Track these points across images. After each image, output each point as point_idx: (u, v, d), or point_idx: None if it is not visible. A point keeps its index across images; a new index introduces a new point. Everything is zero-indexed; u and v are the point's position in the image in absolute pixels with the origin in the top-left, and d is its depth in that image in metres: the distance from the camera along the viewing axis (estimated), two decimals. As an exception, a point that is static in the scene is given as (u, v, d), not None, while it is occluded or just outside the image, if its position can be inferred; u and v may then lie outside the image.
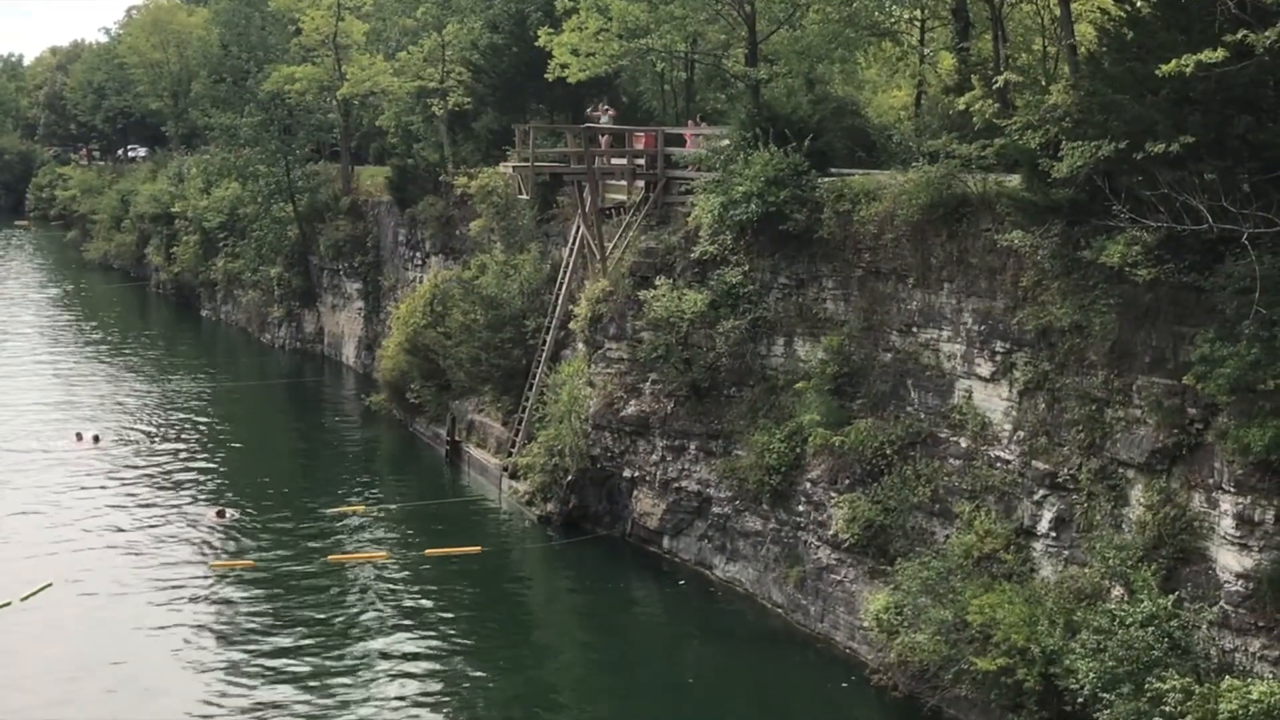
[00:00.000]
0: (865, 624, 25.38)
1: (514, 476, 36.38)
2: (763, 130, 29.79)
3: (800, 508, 28.19)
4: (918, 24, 34.28)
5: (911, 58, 34.17)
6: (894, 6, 33.19)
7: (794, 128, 29.59)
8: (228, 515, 34.37)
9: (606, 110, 36.75)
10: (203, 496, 36.77)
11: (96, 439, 42.14)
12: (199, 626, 27.41)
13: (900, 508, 25.77)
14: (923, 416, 26.29)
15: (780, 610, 28.66)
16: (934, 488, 25.38)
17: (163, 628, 27.31)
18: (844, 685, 25.41)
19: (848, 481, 27.01)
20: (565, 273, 37.20)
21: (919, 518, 25.55)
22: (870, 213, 27.44)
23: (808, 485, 27.97)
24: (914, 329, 26.69)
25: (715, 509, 30.57)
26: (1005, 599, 22.28)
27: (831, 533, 27.13)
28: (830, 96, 32.29)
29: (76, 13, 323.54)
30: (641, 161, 35.03)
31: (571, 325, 35.44)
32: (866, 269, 27.72)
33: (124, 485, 37.47)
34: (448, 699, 24.68)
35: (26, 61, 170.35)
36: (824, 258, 28.91)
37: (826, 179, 29.15)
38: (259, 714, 23.70)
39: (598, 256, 34.65)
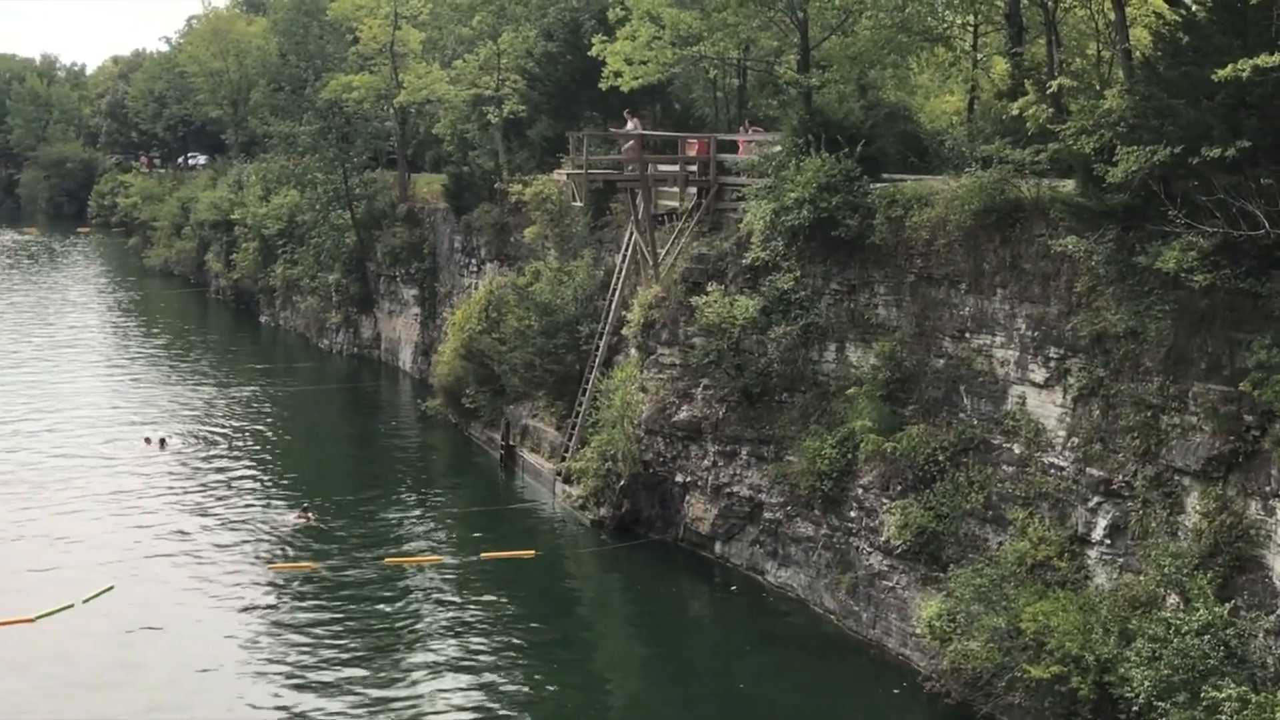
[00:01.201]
0: (918, 631, 25.33)
1: (567, 481, 36.61)
2: (815, 136, 29.81)
3: (852, 514, 28.18)
4: (970, 29, 34.17)
5: (964, 63, 34.04)
6: (947, 12, 33.08)
7: (846, 133, 29.59)
8: (310, 517, 34.81)
9: (633, 118, 36.86)
10: (263, 500, 37.26)
11: (164, 443, 42.77)
12: (257, 629, 27.78)
13: (953, 514, 25.70)
14: (975, 423, 26.20)
15: (832, 616, 28.65)
16: (987, 494, 25.30)
17: (220, 630, 27.70)
18: (895, 692, 25.38)
19: (900, 488, 26.97)
20: (618, 279, 37.40)
21: (972, 524, 25.47)
22: (923, 218, 27.40)
23: (859, 491, 27.95)
24: (967, 335, 26.61)
25: (767, 514, 30.62)
26: (1059, 606, 22.16)
27: (883, 539, 27.10)
28: (882, 102, 32.24)
29: (138, 22, 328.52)
30: (694, 168, 35.13)
31: (624, 331, 35.61)
32: (919, 274, 27.67)
33: (188, 489, 38.04)
34: (500, 702, 24.88)
35: (89, 70, 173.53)
36: (876, 263, 28.89)
37: (879, 185, 29.15)
38: (312, 717, 23.97)
39: (650, 263, 34.81)
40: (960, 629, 23.87)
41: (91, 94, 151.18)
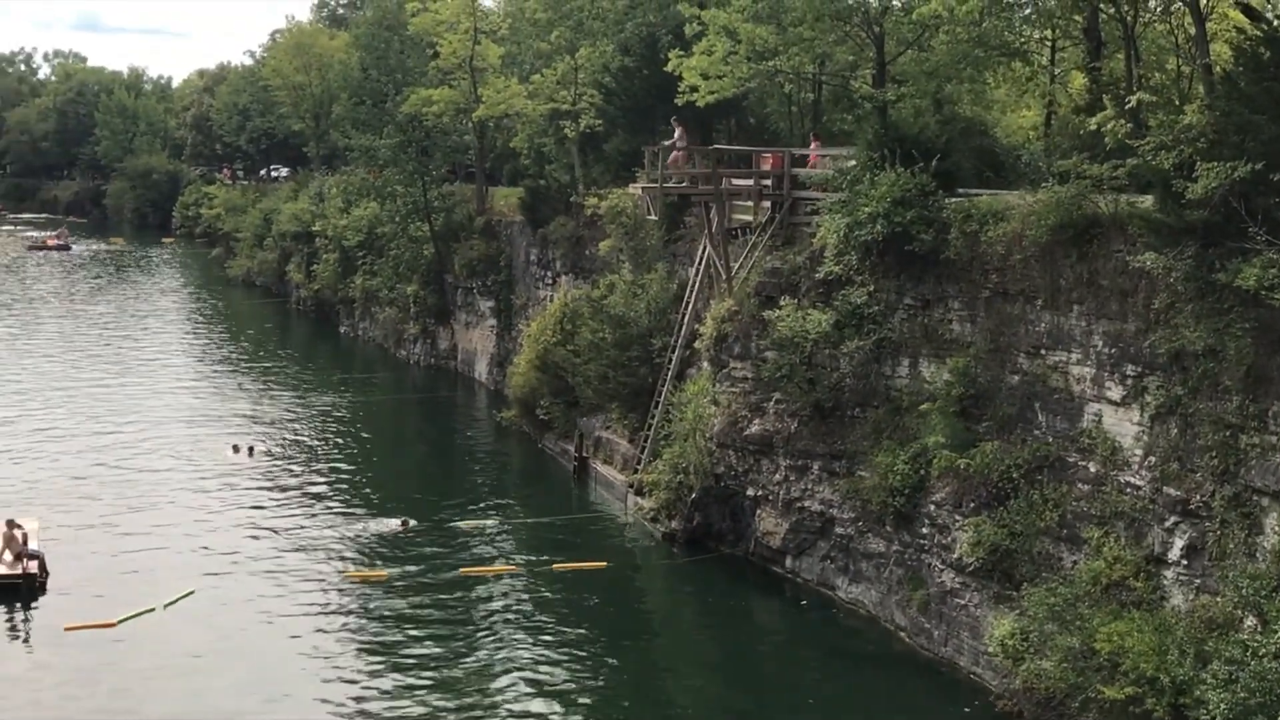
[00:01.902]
0: (990, 649, 25.14)
1: (639, 493, 36.78)
2: (890, 151, 29.78)
3: (924, 530, 28.04)
4: (1048, 44, 33.94)
5: (1041, 77, 33.84)
6: (1024, 26, 32.89)
7: (921, 148, 29.51)
8: (409, 526, 35.30)
9: (679, 125, 37.00)
10: (343, 508, 37.77)
11: (252, 451, 43.51)
12: (332, 637, 28.16)
13: (1027, 532, 25.49)
14: (1050, 440, 25.98)
15: (903, 633, 28.51)
16: (1062, 513, 25.07)
17: (296, 637, 28.14)
18: (967, 710, 25.21)
19: (973, 505, 26.80)
20: (691, 292, 37.54)
21: (1046, 543, 25.25)
22: (998, 233, 27.25)
23: (932, 508, 27.81)
24: (1042, 351, 26.41)
25: (838, 530, 30.56)
26: (1134, 627, 21.91)
27: (956, 556, 26.94)
28: (958, 117, 32.12)
29: (223, 37, 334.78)
30: (768, 182, 35.21)
31: (697, 344, 35.74)
32: (994, 290, 27.51)
33: (270, 496, 38.66)
34: (570, 714, 25.04)
35: (175, 84, 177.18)
36: (950, 278, 28.77)
37: (954, 199, 29.03)
38: (387, 721, 24.33)
39: (723, 276, 34.92)
40: (1033, 648, 23.69)
41: (177, 107, 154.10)
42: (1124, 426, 24.36)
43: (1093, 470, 24.78)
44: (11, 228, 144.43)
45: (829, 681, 27.04)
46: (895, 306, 30.11)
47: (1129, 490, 23.89)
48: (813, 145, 36.08)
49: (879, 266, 30.21)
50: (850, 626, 29.51)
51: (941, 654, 27.33)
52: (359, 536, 34.82)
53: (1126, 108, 24.91)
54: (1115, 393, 24.52)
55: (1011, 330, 27.17)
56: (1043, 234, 25.63)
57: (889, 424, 29.73)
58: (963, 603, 26.93)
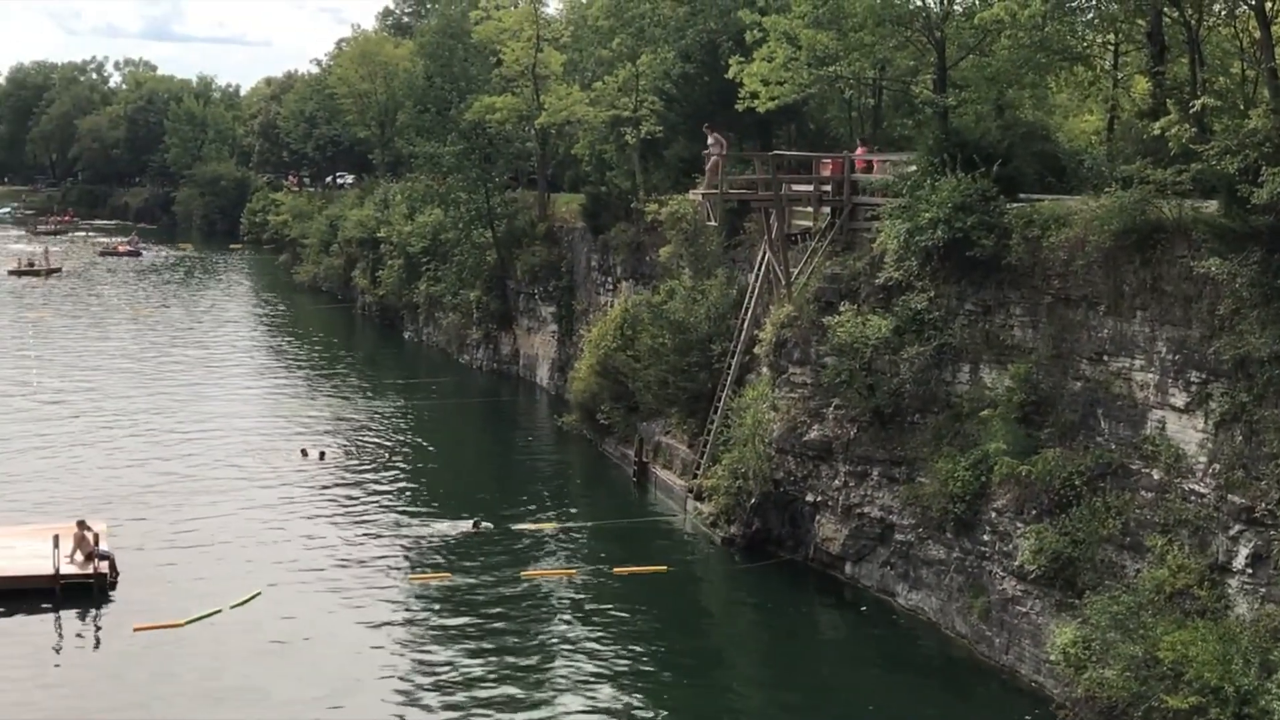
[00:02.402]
0: (1052, 658, 24.97)
1: (699, 498, 36.87)
2: (950, 156, 29.69)
3: (985, 537, 27.91)
4: (1111, 48, 33.63)
5: (1104, 82, 33.53)
6: (1087, 31, 32.62)
7: (982, 153, 29.39)
8: (482, 527, 35.71)
9: (713, 133, 36.99)
10: (408, 511, 38.15)
11: (322, 455, 44.04)
12: (394, 638, 28.48)
13: (1089, 540, 25.31)
14: (1113, 447, 25.78)
15: (964, 640, 28.39)
16: (1124, 520, 24.87)
17: (359, 638, 28.49)
18: (1027, 718, 25.06)
19: (1034, 512, 26.65)
20: (751, 298, 37.60)
21: (1108, 551, 25.06)
22: (1060, 239, 27.08)
23: (993, 515, 27.68)
24: (1105, 357, 26.22)
25: (898, 536, 30.48)
26: (1198, 636, 21.72)
27: (1017, 563, 26.79)
28: (1020, 121, 31.92)
29: (290, 45, 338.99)
30: (828, 188, 35.20)
31: (756, 350, 35.80)
32: (1056, 295, 27.34)
33: (336, 499, 39.16)
34: (630, 718, 25.16)
35: (243, 91, 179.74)
36: (1012, 284, 28.62)
37: (1015, 204, 28.87)
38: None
39: (783, 282, 34.95)
40: (1096, 657, 23.52)
41: (245, 114, 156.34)
42: (1188, 434, 24.13)
43: (1156, 478, 24.57)
44: (84, 234, 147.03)
45: (888, 688, 26.99)
46: (956, 312, 30.00)
47: (1193, 498, 23.66)
48: (860, 151, 36.08)
49: (940, 272, 30.12)
50: (910, 633, 29.42)
51: (1002, 662, 27.18)
52: (424, 539, 35.19)
53: (1191, 112, 24.67)
54: (1179, 399, 24.29)
55: (1074, 336, 27.00)
56: (1106, 239, 25.46)
57: (949, 430, 29.62)
58: (1024, 610, 26.77)
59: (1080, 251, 26.42)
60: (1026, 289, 28.20)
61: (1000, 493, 27.64)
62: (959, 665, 27.69)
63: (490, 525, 36.18)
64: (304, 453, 44.13)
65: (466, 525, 36.08)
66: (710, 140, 36.72)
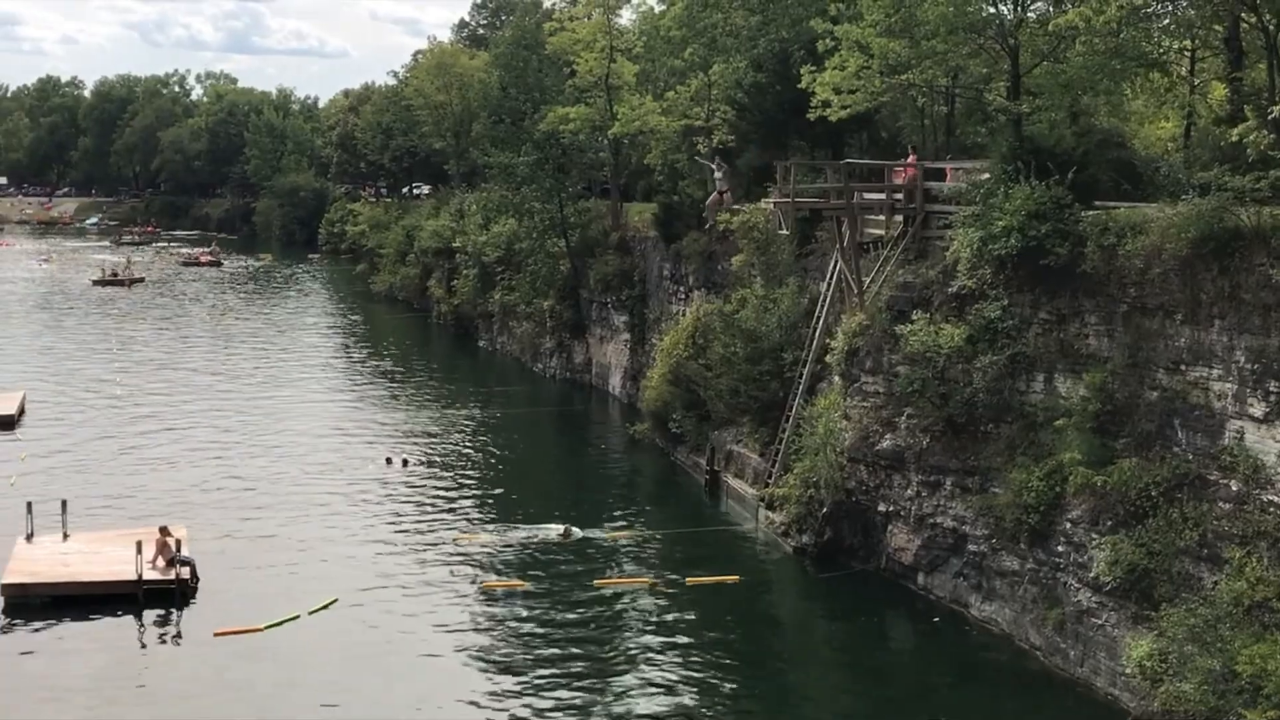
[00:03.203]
0: (1128, 670, 24.70)
1: (770, 507, 36.86)
2: (1024, 163, 29.50)
3: (1060, 548, 27.64)
4: (1187, 54, 33.21)
5: (1180, 88, 33.12)
6: (1163, 37, 32.22)
7: (1057, 160, 29.18)
8: (572, 534, 36.07)
9: (716, 160, 36.95)
10: (482, 518, 38.52)
11: (405, 463, 44.53)
12: (467, 646, 28.73)
13: (1165, 551, 24.97)
14: (1190, 457, 25.44)
15: (1038, 652, 28.12)
16: (1202, 531, 24.52)
17: (432, 644, 28.83)
18: (1103, 731, 24.83)
19: (1110, 523, 26.36)
20: (823, 306, 37.55)
21: (1185, 562, 24.72)
22: (1136, 247, 26.76)
23: (1068, 525, 27.42)
24: (1182, 366, 25.88)
25: (971, 547, 30.27)
26: (1278, 649, 21.38)
27: (1093, 575, 26.51)
28: (1095, 128, 31.61)
29: (366, 57, 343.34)
30: (900, 196, 35.09)
31: (828, 359, 35.73)
32: (1131, 304, 27.04)
33: (412, 507, 39.59)
34: (701, 724, 25.27)
35: (321, 103, 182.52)
36: (1087, 292, 28.35)
37: (1090, 212, 28.61)
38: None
39: (855, 290, 34.88)
40: (1172, 670, 23.22)
41: (323, 126, 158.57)
42: (1267, 444, 23.76)
43: (1234, 489, 24.21)
44: (165, 244, 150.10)
45: (961, 700, 26.81)
46: (1030, 321, 29.75)
47: (1272, 509, 23.30)
48: (910, 159, 35.95)
49: (1013, 280, 29.90)
50: (983, 644, 29.21)
51: (1077, 674, 26.90)
52: (499, 546, 35.48)
53: (1269, 118, 24.33)
54: (1258, 409, 23.93)
55: (1150, 345, 26.68)
56: (1183, 247, 25.17)
57: (1023, 440, 29.38)
58: (1100, 622, 26.48)
59: (1157, 259, 26.14)
60: (1102, 297, 27.92)
61: (1075, 503, 27.37)
62: (1033, 677, 27.44)
63: (579, 532, 36.40)
64: (388, 460, 44.64)
65: (553, 533, 36.30)
66: (718, 174, 36.70)
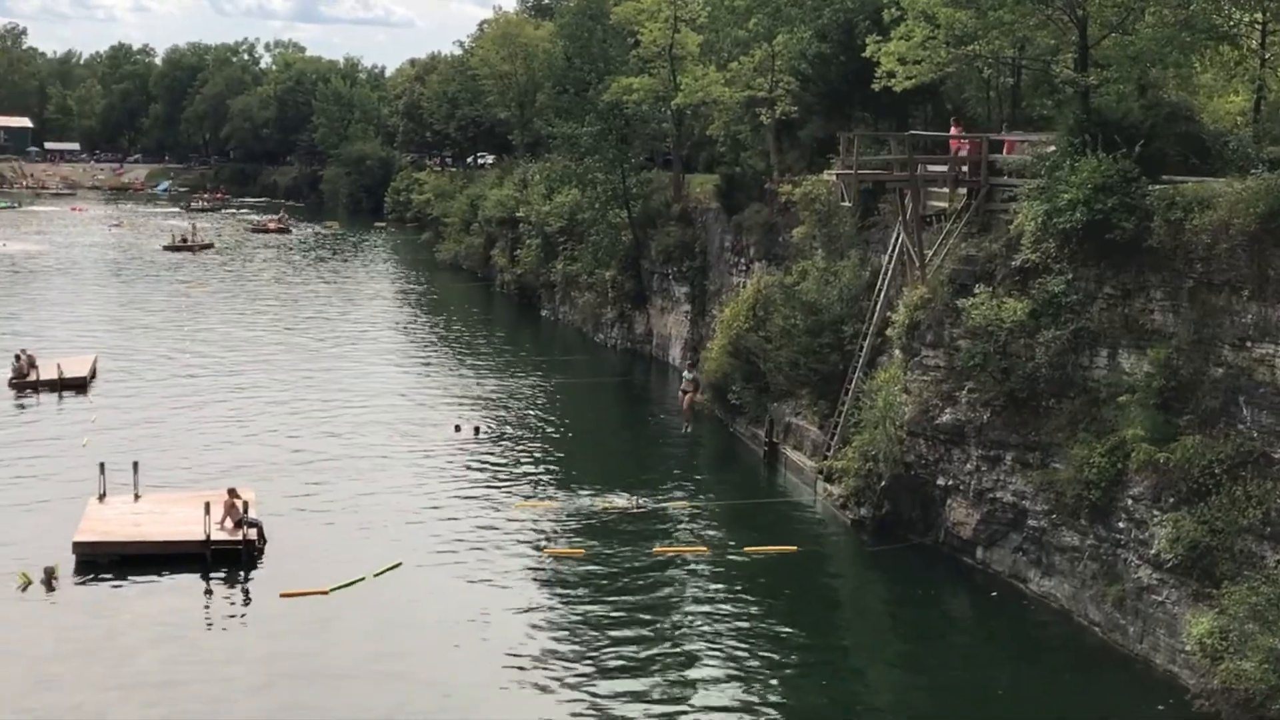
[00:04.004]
0: (1187, 648, 24.58)
1: (829, 480, 36.91)
2: (1091, 136, 29.20)
3: (1121, 524, 27.50)
4: (1258, 27, 32.60)
5: (1250, 62, 32.52)
6: (1233, 9, 31.64)
7: (1124, 134, 28.84)
8: (639, 506, 36.34)
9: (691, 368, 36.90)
10: (543, 486, 38.82)
11: (476, 430, 44.87)
12: (527, 612, 29.00)
13: (1228, 529, 24.77)
14: (1255, 435, 25.18)
15: (1097, 628, 28.04)
16: (1266, 510, 24.30)
17: (493, 609, 29.08)
18: (1161, 708, 24.74)
19: (1172, 500, 26.18)
20: (884, 279, 37.43)
21: (1248, 541, 24.51)
22: (1204, 221, 26.42)
23: (1129, 502, 27.26)
24: (1248, 343, 25.58)
25: (1031, 522, 30.18)
26: (1340, 630, 21.24)
27: (1154, 552, 26.35)
28: (1163, 101, 31.15)
29: (432, 26, 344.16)
30: (964, 168, 34.84)
31: (888, 332, 35.62)
32: (1198, 280, 26.74)
33: (475, 474, 39.98)
34: (755, 694, 25.43)
35: (388, 73, 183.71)
36: (1153, 267, 28.07)
37: (1157, 186, 28.29)
38: (572, 696, 25.06)
39: (917, 264, 34.73)
40: (1233, 648, 23.09)
41: (389, 95, 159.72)
42: (1334, 423, 23.50)
43: (1299, 467, 23.97)
44: (235, 211, 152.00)
45: (1018, 674, 26.83)
46: (1094, 295, 29.50)
47: (1338, 489, 23.05)
48: (954, 129, 35.56)
49: (1078, 254, 29.63)
50: (1041, 620, 29.16)
51: (1136, 651, 26.80)
52: (560, 514, 35.75)
53: (1342, 92, 23.95)
54: (1325, 387, 23.65)
55: (1216, 321, 26.39)
56: (1251, 222, 24.84)
57: (1085, 415, 29.20)
58: (1160, 599, 26.35)
59: (1224, 235, 25.80)
60: (1168, 272, 27.63)
61: (1137, 480, 27.19)
62: (1091, 653, 27.38)
63: (647, 503, 36.62)
64: (457, 428, 44.96)
65: (619, 502, 36.53)
66: (688, 375, 36.65)
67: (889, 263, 37.40)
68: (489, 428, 45.79)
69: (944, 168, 35.57)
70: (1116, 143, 28.63)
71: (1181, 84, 33.85)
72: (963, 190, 34.83)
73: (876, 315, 37.21)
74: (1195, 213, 26.68)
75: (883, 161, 37.52)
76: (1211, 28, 31.21)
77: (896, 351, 35.12)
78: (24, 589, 29.40)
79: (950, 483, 32.23)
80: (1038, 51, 37.13)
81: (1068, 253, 29.73)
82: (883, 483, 33.89)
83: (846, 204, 38.06)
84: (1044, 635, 28.56)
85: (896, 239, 36.88)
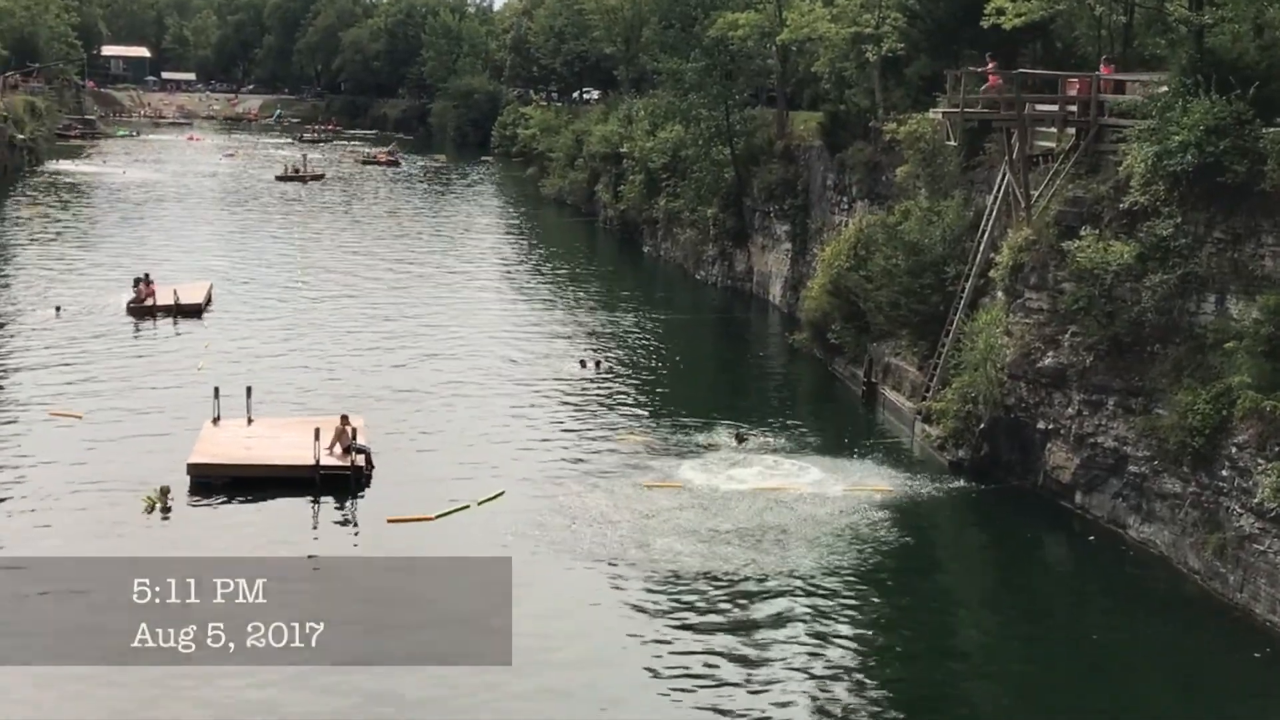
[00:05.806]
0: (1287, 597, 24.45)
1: (927, 421, 36.87)
2: (1204, 77, 28.60)
3: (1224, 472, 27.22)
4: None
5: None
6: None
7: (1238, 75, 28.21)
8: (746, 438, 36.66)
9: None
10: (644, 421, 39.24)
11: (599, 364, 45.29)
12: (625, 540, 29.35)
13: (1333, 480, 24.49)
14: (1365, 385, 24.76)
15: (1196, 576, 27.87)
16: (1373, 461, 23.96)
17: (591, 542, 29.31)
18: (1257, 656, 24.65)
19: (1277, 448, 25.86)
20: (988, 220, 37.05)
21: (1353, 491, 24.21)
22: (1320, 166, 25.89)
23: (1233, 450, 26.96)
24: (1361, 291, 25.09)
25: (1131, 468, 29.97)
26: None
27: (1257, 501, 26.09)
28: (1280, 42, 30.39)
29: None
30: (1073, 108, 34.27)
31: (991, 274, 35.35)
32: (1312, 226, 26.22)
33: (577, 407, 40.47)
34: (847, 633, 25.71)
35: (496, 6, 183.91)
36: (1265, 212, 27.54)
37: (1271, 129, 27.65)
38: (670, 622, 25.61)
39: (1022, 205, 34.35)
40: (1333, 599, 22.91)
41: (498, 29, 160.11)
42: None
43: None
44: (346, 142, 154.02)
45: (1114, 620, 26.83)
46: (1203, 240, 29.01)
47: None
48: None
49: (1188, 197, 29.15)
50: (1140, 567, 29.05)
51: (1236, 600, 26.62)
52: (664, 448, 36.07)
53: None
54: None
55: (1329, 268, 25.90)
56: (1368, 167, 24.26)
57: (1190, 361, 28.85)
58: (1262, 549, 26.11)
59: (1340, 179, 25.26)
60: (1280, 217, 27.12)
61: (1242, 428, 26.87)
62: (1189, 601, 27.28)
63: (754, 436, 36.88)
64: (581, 363, 45.37)
65: (723, 437, 36.78)
66: None
67: (993, 203, 37.02)
68: (601, 364, 46.20)
69: (1053, 107, 34.99)
70: (1230, 84, 28.05)
71: (1300, 24, 32.87)
72: (1071, 130, 34.28)
73: (979, 256, 36.91)
74: (1311, 157, 26.12)
75: (990, 100, 36.96)
76: (1334, -35, 30.27)
77: (999, 293, 34.88)
78: (149, 510, 30.32)
79: (1050, 426, 32.08)
80: (1152, -12, 36.26)
81: (1177, 195, 29.27)
82: (982, 425, 33.81)
83: (952, 143, 37.70)
84: (1142, 582, 28.47)
85: (1002, 179, 36.46)
